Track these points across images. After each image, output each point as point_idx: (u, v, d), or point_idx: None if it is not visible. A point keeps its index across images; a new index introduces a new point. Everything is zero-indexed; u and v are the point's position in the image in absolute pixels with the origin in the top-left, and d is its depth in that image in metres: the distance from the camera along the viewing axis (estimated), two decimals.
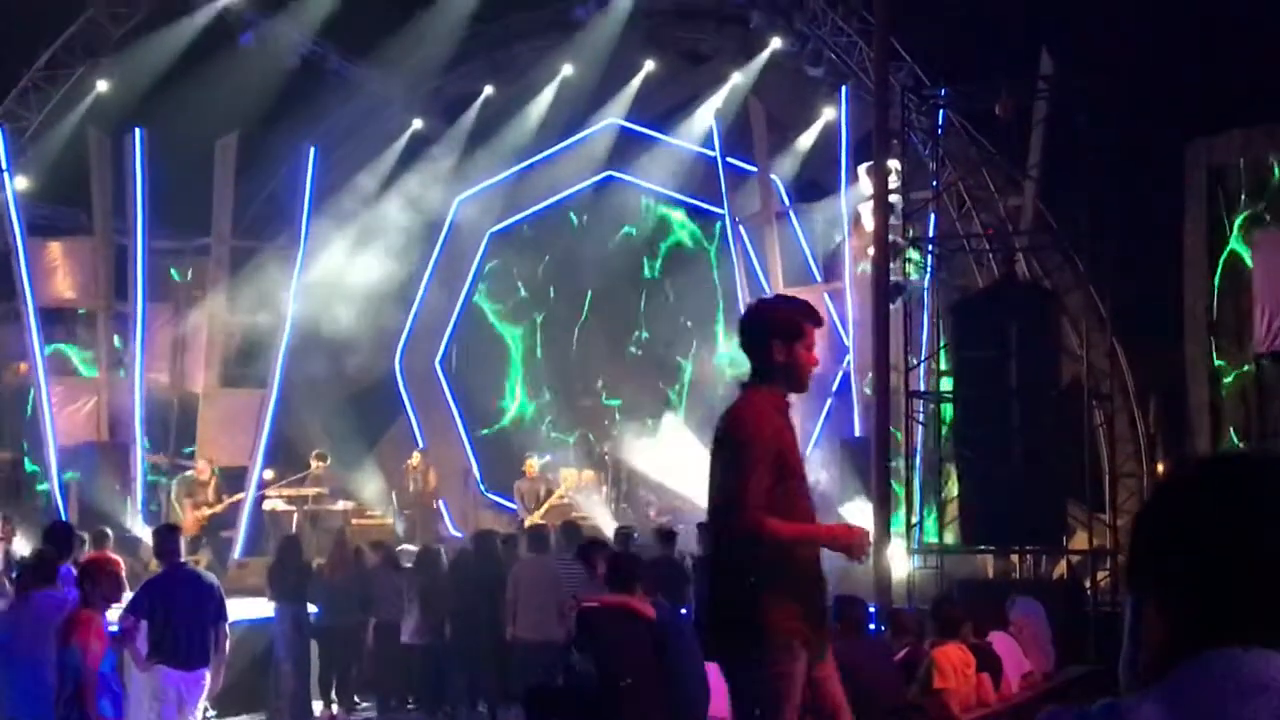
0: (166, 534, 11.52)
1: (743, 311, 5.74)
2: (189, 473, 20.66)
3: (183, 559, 11.27)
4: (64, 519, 18.84)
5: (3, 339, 21.65)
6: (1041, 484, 15.57)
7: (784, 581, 5.46)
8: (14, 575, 11.71)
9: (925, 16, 17.56)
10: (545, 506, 20.34)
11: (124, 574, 15.91)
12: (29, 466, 21.14)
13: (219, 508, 19.84)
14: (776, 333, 5.58)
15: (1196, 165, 16.73)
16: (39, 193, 21.27)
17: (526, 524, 18.84)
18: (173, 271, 22.95)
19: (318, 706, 15.84)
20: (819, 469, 19.72)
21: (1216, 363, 17.20)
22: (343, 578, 16.03)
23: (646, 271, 24.82)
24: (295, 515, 20.50)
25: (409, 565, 16.24)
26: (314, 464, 20.99)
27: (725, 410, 5.63)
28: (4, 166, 20.48)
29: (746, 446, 5.43)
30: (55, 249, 21.49)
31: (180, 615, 10.47)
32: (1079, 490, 16.41)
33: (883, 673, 9.27)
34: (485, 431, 25.12)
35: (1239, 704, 1.62)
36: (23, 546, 15.89)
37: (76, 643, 8.26)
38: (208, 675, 10.66)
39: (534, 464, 21.27)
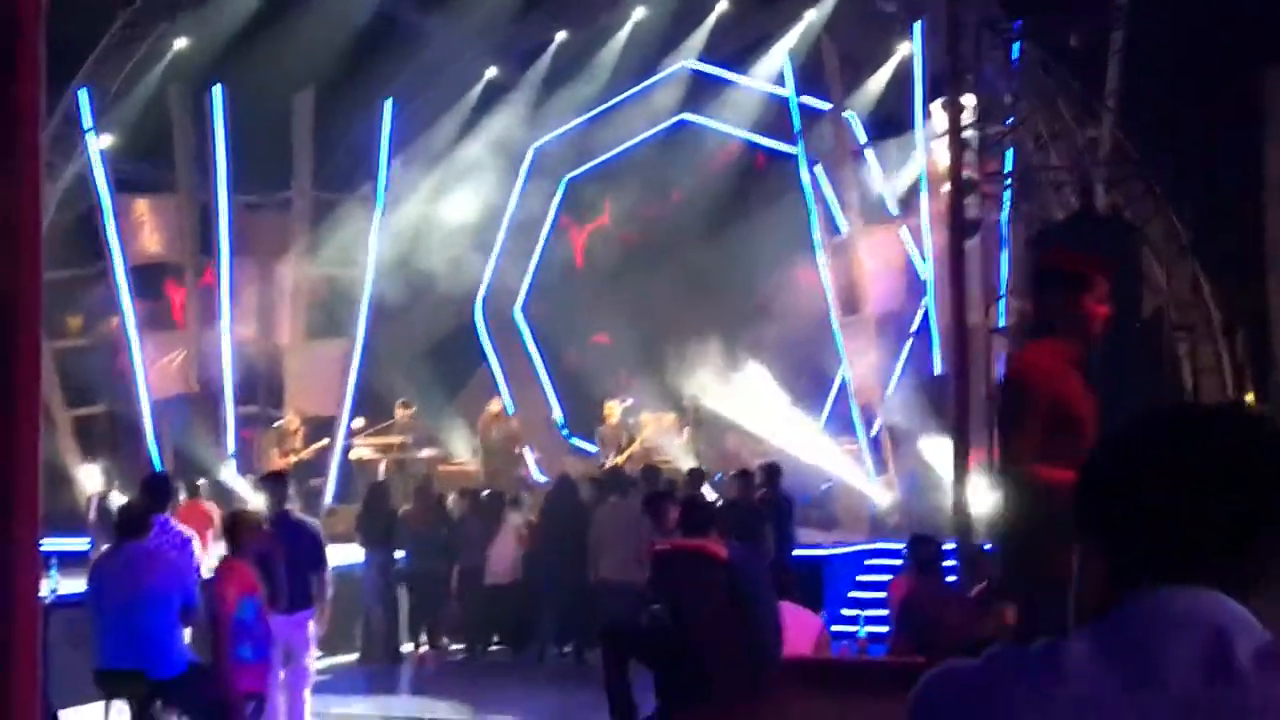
0: (274, 481, 11.87)
1: (1035, 261, 5.83)
2: (278, 423, 21.09)
3: (288, 507, 11.61)
4: (159, 470, 19.35)
5: (94, 295, 22.10)
6: (1125, 417, 15.44)
7: (1064, 526, 5.46)
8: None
9: None
10: (626, 453, 20.48)
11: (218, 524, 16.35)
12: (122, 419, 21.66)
13: (305, 453, 20.29)
14: (1063, 283, 5.62)
15: (1276, 91, 16.43)
16: (123, 150, 21.64)
17: (605, 468, 19.06)
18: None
19: (408, 648, 16.20)
20: (895, 410, 19.74)
21: None
22: (427, 525, 16.34)
23: (724, 214, 24.77)
24: (382, 463, 20.86)
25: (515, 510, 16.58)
26: (399, 412, 21.33)
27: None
28: (89, 126, 20.87)
29: (1017, 395, 5.60)
30: (141, 205, 21.87)
31: (283, 561, 10.77)
32: None
33: (955, 609, 9.33)
34: (569, 373, 25.34)
35: (1165, 638, 1.70)
36: (120, 499, 16.29)
37: (215, 590, 8.93)
38: (311, 620, 10.95)
39: (614, 409, 21.38)
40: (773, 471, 15.69)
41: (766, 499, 15.23)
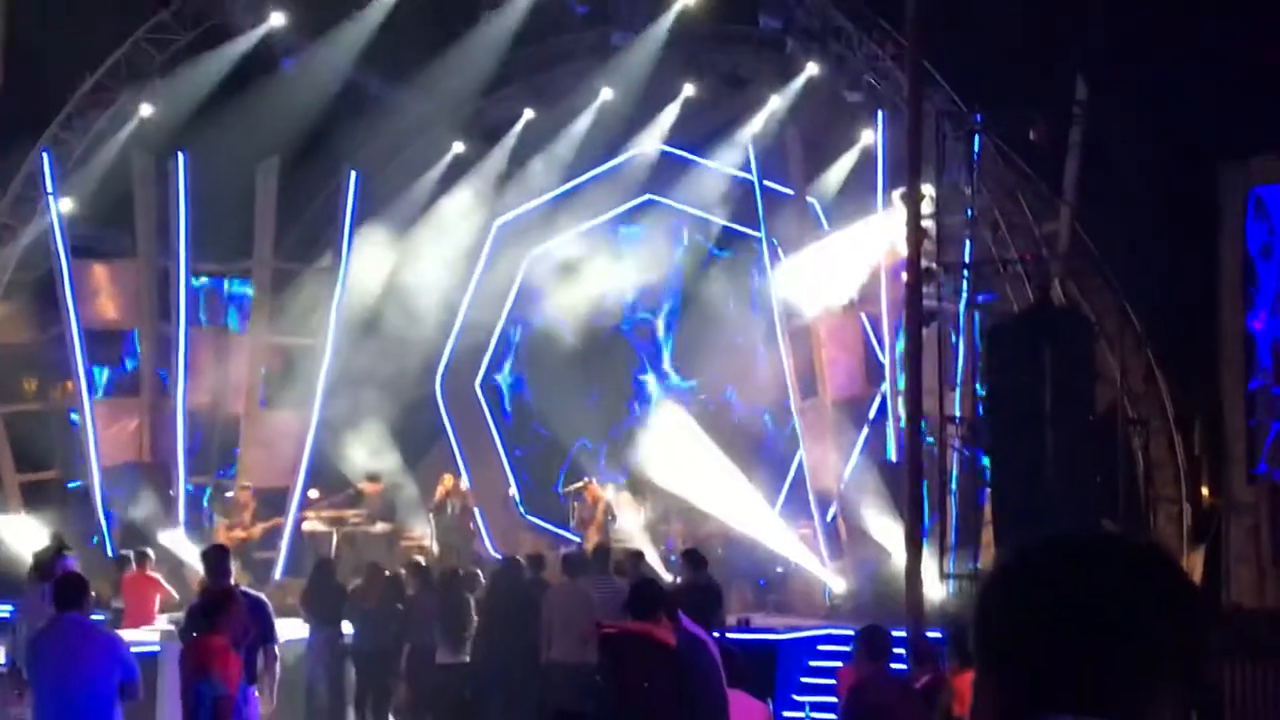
0: (217, 555, 11.66)
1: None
2: (228, 494, 20.91)
3: (232, 579, 11.40)
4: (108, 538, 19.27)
5: (50, 359, 21.95)
6: (1076, 510, 15.52)
7: None
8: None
9: (960, 41, 17.54)
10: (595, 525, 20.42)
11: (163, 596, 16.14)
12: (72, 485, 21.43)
13: (255, 532, 20.10)
14: None
15: (1232, 188, 16.67)
16: (84, 216, 21.54)
17: (590, 545, 18.65)
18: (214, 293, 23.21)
19: None
20: (852, 497, 19.74)
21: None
22: (378, 603, 16.12)
23: (688, 294, 24.87)
24: (334, 536, 20.66)
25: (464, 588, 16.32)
26: (367, 487, 21.03)
27: None
28: (50, 190, 20.80)
29: None
30: (100, 271, 21.76)
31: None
32: (1115, 516, 16.34)
33: (902, 700, 9.27)
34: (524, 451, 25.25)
35: None
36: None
37: (217, 673, 8.60)
38: (255, 693, 10.75)
39: (598, 488, 21.26)
40: (694, 558, 15.52)
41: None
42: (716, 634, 14.07)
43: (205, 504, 21.77)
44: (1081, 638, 1.76)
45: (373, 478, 21.21)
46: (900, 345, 17.94)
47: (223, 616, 9.03)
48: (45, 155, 20.94)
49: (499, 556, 21.37)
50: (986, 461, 17.18)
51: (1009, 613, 1.83)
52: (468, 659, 15.83)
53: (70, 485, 21.49)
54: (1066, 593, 1.79)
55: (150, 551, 16.96)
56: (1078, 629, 1.76)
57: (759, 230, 22.23)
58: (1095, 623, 1.76)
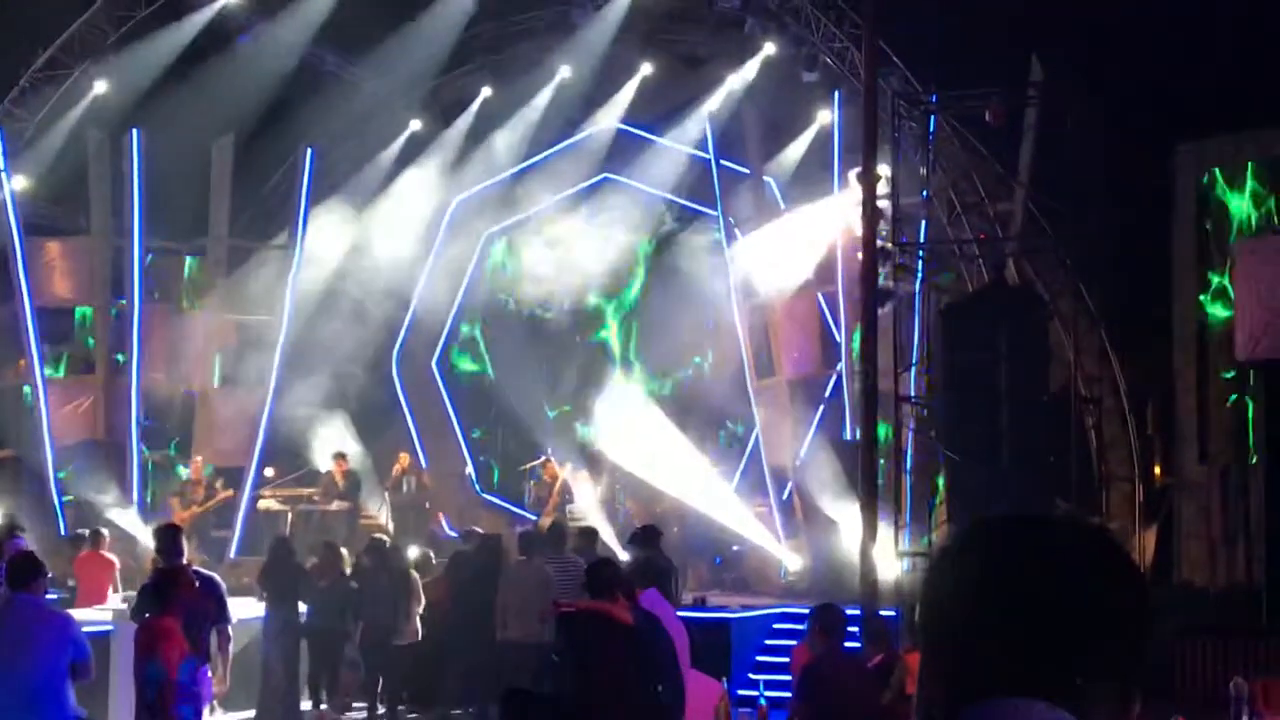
0: (169, 533, 11.58)
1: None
2: (183, 470, 20.81)
3: (185, 558, 11.33)
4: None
5: (3, 337, 21.75)
6: (1030, 488, 15.62)
7: None
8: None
9: (916, 21, 17.61)
10: (552, 503, 20.47)
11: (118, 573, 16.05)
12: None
13: (209, 505, 20.00)
14: None
15: (1185, 170, 16.80)
16: (37, 193, 21.38)
17: (546, 524, 18.70)
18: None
19: (306, 706, 15.93)
20: (807, 475, 19.82)
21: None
22: (332, 583, 16.06)
23: (646, 272, 24.86)
24: (289, 515, 20.60)
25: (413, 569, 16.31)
26: (336, 465, 20.86)
27: None
28: (3, 166, 20.60)
29: None
30: (53, 248, 21.62)
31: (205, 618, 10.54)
32: (1069, 494, 16.46)
33: (856, 679, 9.34)
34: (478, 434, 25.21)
35: None
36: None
37: (161, 656, 8.55)
38: (209, 673, 10.71)
39: (556, 467, 21.30)
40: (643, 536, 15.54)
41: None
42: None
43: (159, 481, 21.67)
44: (1025, 620, 1.77)
45: (339, 456, 21.10)
46: (857, 325, 18.00)
47: (174, 596, 9.01)
48: None
49: (454, 534, 21.38)
50: (941, 440, 17.26)
51: (953, 594, 1.84)
52: (419, 638, 15.85)
53: (25, 464, 21.31)
54: (1010, 575, 1.80)
55: (104, 531, 16.88)
56: (1022, 611, 1.78)
57: (716, 209, 22.25)
58: (1040, 605, 1.78)
